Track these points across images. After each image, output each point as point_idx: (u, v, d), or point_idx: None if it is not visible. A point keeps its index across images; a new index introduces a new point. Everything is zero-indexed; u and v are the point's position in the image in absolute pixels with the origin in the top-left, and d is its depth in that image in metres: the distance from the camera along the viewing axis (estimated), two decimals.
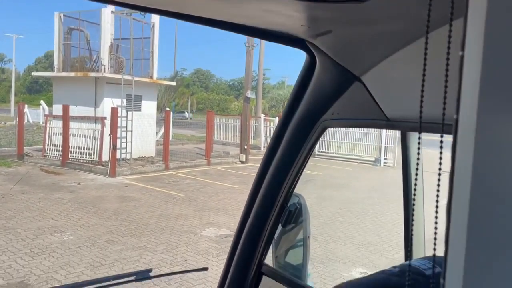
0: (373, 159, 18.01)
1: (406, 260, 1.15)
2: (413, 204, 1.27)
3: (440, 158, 0.46)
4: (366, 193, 11.61)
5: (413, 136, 1.20)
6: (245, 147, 17.05)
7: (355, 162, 18.06)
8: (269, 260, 1.65)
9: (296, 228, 1.56)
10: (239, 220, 1.67)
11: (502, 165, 0.39)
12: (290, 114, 1.34)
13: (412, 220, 1.32)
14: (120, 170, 12.66)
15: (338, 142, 19.27)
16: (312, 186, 11.42)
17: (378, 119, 1.03)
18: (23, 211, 8.15)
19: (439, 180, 0.50)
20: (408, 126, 1.03)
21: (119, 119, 13.19)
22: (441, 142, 0.49)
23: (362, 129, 18.99)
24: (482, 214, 0.39)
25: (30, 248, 6.19)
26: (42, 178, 11.66)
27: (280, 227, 1.59)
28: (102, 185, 11.16)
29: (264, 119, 21.70)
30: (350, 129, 19.19)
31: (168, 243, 6.80)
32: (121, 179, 12.09)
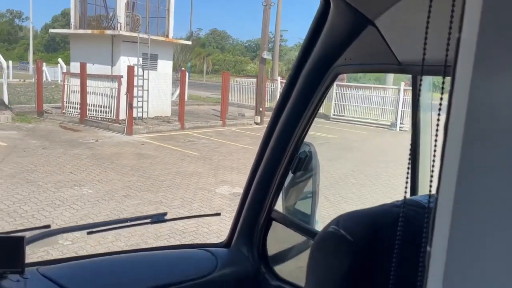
0: (389, 123, 17.84)
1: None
2: (419, 145, 1.29)
3: (441, 99, 0.48)
4: (380, 156, 11.61)
5: (424, 80, 1.20)
6: (261, 108, 17.02)
7: (370, 126, 17.94)
8: (279, 206, 1.71)
9: (306, 175, 1.60)
10: (251, 168, 1.71)
11: (495, 109, 0.41)
12: (303, 61, 1.35)
13: (419, 159, 1.35)
14: (136, 129, 12.85)
15: (354, 105, 19.08)
16: (326, 148, 11.46)
17: (389, 64, 1.03)
18: (44, 165, 8.41)
19: (438, 120, 0.53)
20: (419, 70, 1.04)
21: (135, 78, 13.25)
22: (443, 83, 0.51)
23: (379, 92, 18.71)
24: (475, 154, 0.42)
25: (51, 200, 6.44)
26: (61, 135, 11.93)
27: (290, 175, 1.64)
28: (119, 143, 11.37)
29: (281, 82, 21.49)
30: (367, 92, 18.94)
31: (183, 199, 6.98)
32: (138, 137, 12.29)
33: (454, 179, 0.43)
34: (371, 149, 13.24)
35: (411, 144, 1.34)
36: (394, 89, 18.24)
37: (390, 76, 20.04)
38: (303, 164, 1.53)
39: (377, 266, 0.67)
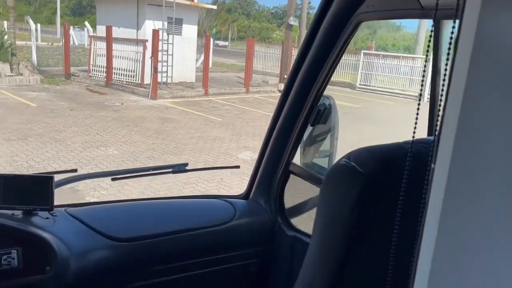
0: (417, 94, 17.42)
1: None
2: (442, 90, 1.27)
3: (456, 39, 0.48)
4: (405, 127, 11.41)
5: (446, 24, 1.18)
6: (285, 76, 16.85)
7: (397, 96, 17.57)
8: (297, 160, 1.73)
9: (324, 128, 1.61)
10: (270, 122, 1.73)
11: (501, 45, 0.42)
12: (324, 11, 1.34)
13: (439, 102, 1.34)
14: (161, 93, 12.97)
15: (381, 75, 18.65)
16: (349, 118, 11.32)
17: (412, 9, 1.02)
18: (71, 126, 8.64)
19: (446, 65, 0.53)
20: (441, 14, 1.02)
21: (160, 42, 13.25)
22: (453, 28, 0.51)
23: (407, 62, 18.19)
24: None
25: (78, 159, 6.65)
26: (88, 97, 12.17)
27: (309, 129, 1.65)
28: (144, 106, 11.53)
29: None
30: (395, 61, 18.44)
31: (206, 162, 7.09)
32: (162, 102, 12.42)
33: (457, 117, 0.44)
34: (397, 119, 13.02)
35: (431, 89, 1.33)
36: (423, 59, 17.69)
37: (420, 46, 19.41)
38: (322, 117, 1.54)
39: (386, 197, 0.69)
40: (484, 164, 0.45)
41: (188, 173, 1.80)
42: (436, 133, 0.47)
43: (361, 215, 0.73)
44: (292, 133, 1.65)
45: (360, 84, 18.46)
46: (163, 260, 1.60)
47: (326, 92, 1.54)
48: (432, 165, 0.48)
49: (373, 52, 19.27)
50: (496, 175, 0.44)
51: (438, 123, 0.48)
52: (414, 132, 0.63)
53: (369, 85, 18.48)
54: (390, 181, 0.65)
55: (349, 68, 18.92)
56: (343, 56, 1.47)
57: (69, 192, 5.07)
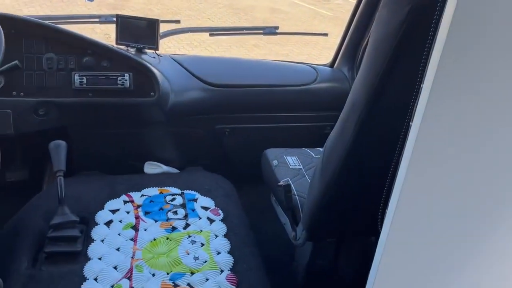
0: None
1: None
2: None
3: None
4: None
5: None
6: None
7: None
8: None
9: None
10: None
11: None
12: None
13: None
14: None
15: None
16: None
17: None
18: (186, 10, 9.05)
19: None
20: None
21: None
22: None
23: None
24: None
25: (190, 41, 7.08)
26: None
27: None
28: None
29: None
30: None
31: (309, 55, 7.07)
32: None
33: None
34: None
35: None
36: None
37: None
38: None
39: (426, 32, 0.70)
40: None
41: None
42: None
43: (404, 35, 0.79)
44: (378, 6, 1.64)
45: None
46: (246, 108, 1.80)
47: None
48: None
49: None
50: None
51: None
52: None
53: None
54: (433, 15, 0.67)
55: None
56: None
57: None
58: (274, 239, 1.67)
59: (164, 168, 1.75)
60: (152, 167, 1.75)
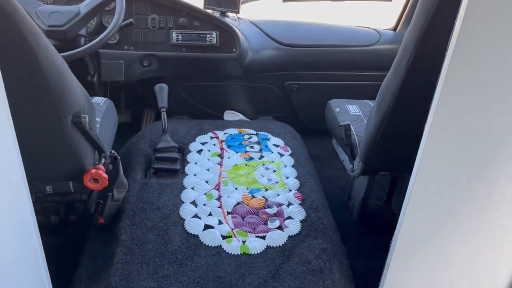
0: None
1: None
2: None
3: None
4: None
5: None
6: None
7: None
8: None
9: None
10: None
11: None
12: None
13: None
14: None
15: None
16: None
17: None
18: None
19: None
20: None
21: None
22: None
23: None
24: None
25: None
26: None
27: None
28: None
29: None
30: None
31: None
32: None
33: None
34: None
35: None
36: None
37: None
38: None
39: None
40: None
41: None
42: None
43: (437, 11, 0.98)
44: None
45: None
46: (313, 67, 2.04)
47: None
48: None
49: None
50: None
51: None
52: None
53: None
54: None
55: None
56: None
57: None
58: (332, 183, 1.91)
59: (240, 116, 2.04)
60: (230, 115, 2.05)
